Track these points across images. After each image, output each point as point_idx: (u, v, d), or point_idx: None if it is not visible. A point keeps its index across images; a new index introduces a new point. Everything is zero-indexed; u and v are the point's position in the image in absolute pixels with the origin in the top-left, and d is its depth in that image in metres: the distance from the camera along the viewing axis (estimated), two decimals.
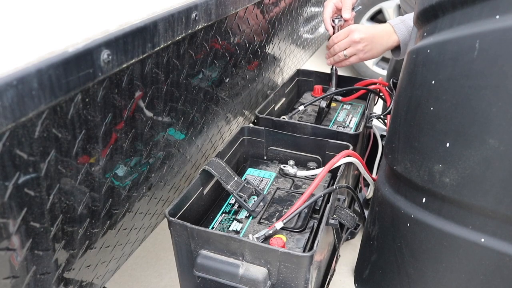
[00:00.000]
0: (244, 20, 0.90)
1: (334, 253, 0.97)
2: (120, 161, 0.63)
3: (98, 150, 0.57)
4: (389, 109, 1.15)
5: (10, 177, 0.44)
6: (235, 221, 0.85)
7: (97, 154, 0.57)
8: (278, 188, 0.95)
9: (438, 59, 0.58)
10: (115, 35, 0.52)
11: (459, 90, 0.55)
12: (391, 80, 1.23)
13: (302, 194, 0.81)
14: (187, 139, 0.84)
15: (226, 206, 0.90)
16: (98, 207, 0.61)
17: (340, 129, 1.16)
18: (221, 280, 0.71)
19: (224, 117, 1.00)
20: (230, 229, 0.84)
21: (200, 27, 0.71)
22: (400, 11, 1.62)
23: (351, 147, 0.95)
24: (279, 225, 0.77)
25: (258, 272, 0.69)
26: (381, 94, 1.28)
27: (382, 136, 1.26)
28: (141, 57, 0.58)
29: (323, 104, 1.21)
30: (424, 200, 0.64)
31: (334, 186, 0.82)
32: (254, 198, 0.88)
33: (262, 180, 0.99)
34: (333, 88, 1.30)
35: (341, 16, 1.24)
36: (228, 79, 0.93)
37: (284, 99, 1.30)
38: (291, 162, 1.00)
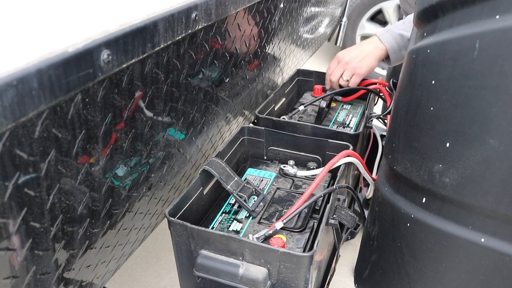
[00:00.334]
0: (244, 20, 0.90)
1: (334, 253, 0.97)
2: (120, 161, 0.63)
3: (98, 150, 0.57)
4: (389, 109, 1.15)
5: (10, 177, 0.44)
6: (235, 221, 0.85)
7: (97, 154, 0.57)
8: (278, 188, 0.95)
9: (438, 59, 0.58)
10: (115, 35, 0.52)
11: (459, 90, 0.55)
12: (391, 80, 1.23)
13: (302, 194, 0.81)
14: (187, 139, 0.84)
15: (226, 206, 0.90)
16: (98, 207, 0.61)
17: (340, 129, 1.16)
18: (221, 280, 0.71)
19: (224, 117, 1.00)
20: (230, 229, 0.84)
21: (200, 27, 0.71)
22: (400, 11, 1.62)
23: (351, 147, 0.95)
24: (279, 225, 0.77)
25: (258, 272, 0.69)
26: (381, 94, 1.29)
27: (382, 136, 1.26)
28: (141, 57, 0.58)
29: (323, 104, 1.21)
30: (424, 200, 0.64)
31: (334, 186, 0.82)
32: (254, 198, 0.88)
33: (262, 180, 0.99)
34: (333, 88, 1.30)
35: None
36: (228, 79, 0.93)
37: (284, 99, 1.30)
38: (291, 162, 1.00)
